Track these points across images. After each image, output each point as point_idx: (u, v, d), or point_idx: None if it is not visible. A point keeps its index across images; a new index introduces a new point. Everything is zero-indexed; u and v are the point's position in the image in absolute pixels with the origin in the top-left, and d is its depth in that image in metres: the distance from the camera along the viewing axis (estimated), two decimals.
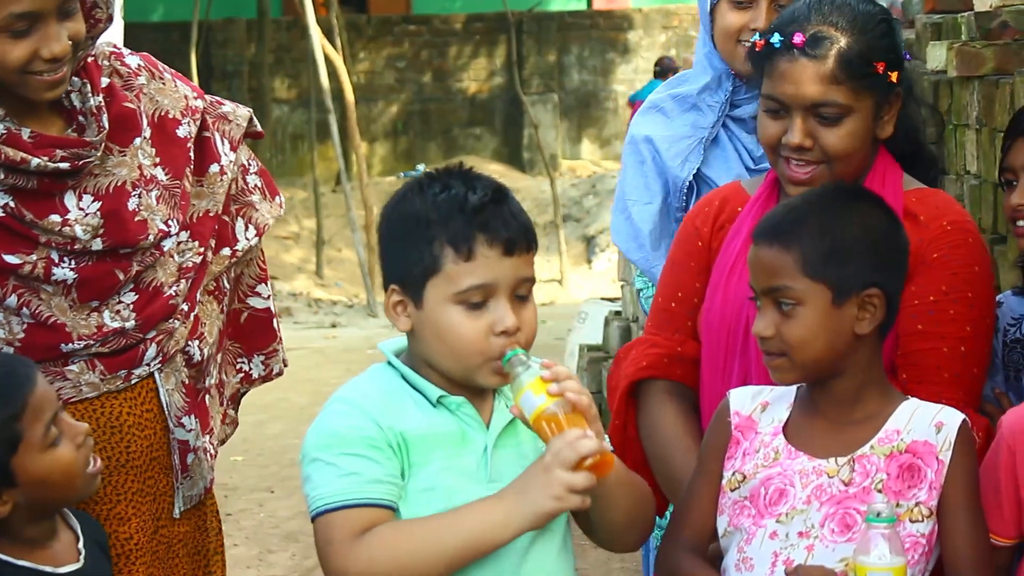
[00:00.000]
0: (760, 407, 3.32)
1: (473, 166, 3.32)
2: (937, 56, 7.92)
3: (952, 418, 3.21)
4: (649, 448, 3.70)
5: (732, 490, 3.28)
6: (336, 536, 3.06)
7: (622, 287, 10.52)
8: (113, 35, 9.03)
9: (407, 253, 3.22)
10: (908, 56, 3.68)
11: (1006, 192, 3.64)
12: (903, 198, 3.65)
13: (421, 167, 22.02)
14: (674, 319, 3.60)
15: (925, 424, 3.20)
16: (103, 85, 3.82)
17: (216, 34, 22.19)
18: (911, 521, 3.13)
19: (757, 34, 3.64)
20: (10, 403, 3.27)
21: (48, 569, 3.35)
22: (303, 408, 7.04)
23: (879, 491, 3.15)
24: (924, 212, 3.62)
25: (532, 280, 3.23)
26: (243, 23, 22.77)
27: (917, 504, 3.16)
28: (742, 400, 3.34)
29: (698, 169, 4.64)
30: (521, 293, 3.20)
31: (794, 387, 3.31)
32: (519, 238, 3.20)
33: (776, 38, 3.54)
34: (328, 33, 18.44)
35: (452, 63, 23.55)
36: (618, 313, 10.54)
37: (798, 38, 3.51)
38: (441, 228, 3.18)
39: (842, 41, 3.50)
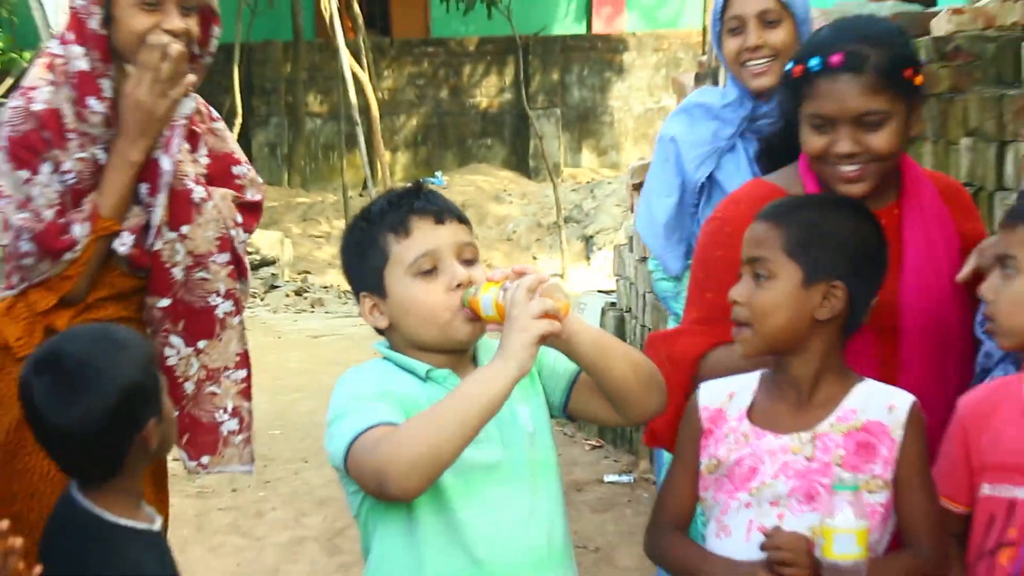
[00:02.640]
0: (728, 397, 3.31)
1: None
2: None
3: (903, 400, 3.21)
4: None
5: (710, 473, 3.28)
6: (370, 444, 3.00)
7: (617, 281, 10.51)
8: None
9: (363, 261, 3.28)
10: (924, 63, 3.67)
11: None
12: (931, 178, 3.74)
13: (439, 174, 22.02)
14: (728, 313, 3.54)
15: (879, 405, 3.20)
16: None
17: (256, 54, 22.16)
18: (868, 492, 3.12)
19: (792, 61, 3.62)
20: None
21: (144, 526, 3.23)
22: (331, 387, 7.16)
23: (839, 465, 3.15)
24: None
25: (473, 245, 3.27)
26: (280, 45, 22.73)
27: (874, 477, 3.15)
28: (711, 394, 3.33)
29: (711, 173, 4.68)
30: (467, 257, 3.23)
31: (757, 375, 3.30)
32: (445, 210, 3.26)
33: (815, 61, 3.51)
34: (356, 54, 18.42)
35: (466, 81, 23.51)
36: (613, 304, 10.53)
37: (836, 58, 3.49)
38: (380, 225, 3.25)
39: (874, 55, 3.48)
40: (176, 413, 3.73)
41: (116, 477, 3.17)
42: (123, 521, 3.18)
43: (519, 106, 22.97)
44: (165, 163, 3.94)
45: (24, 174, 3.86)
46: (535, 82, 23.37)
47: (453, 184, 21.26)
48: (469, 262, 3.24)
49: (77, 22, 3.88)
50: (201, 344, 4.06)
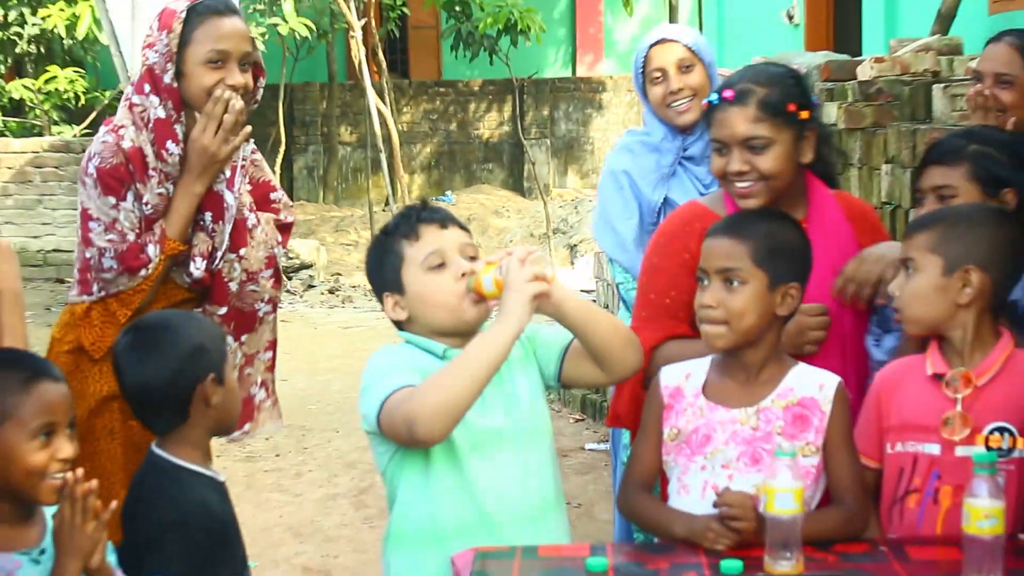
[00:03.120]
0: (685, 377, 3.31)
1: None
2: (830, 113, 7.92)
3: (831, 380, 3.23)
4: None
5: (671, 440, 3.28)
6: (399, 400, 3.05)
7: (596, 282, 10.51)
8: None
9: (383, 268, 3.33)
10: (817, 102, 3.68)
11: (916, 209, 3.63)
12: (836, 199, 3.73)
13: (449, 193, 21.99)
14: (669, 311, 3.55)
15: (811, 384, 3.22)
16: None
17: (297, 93, 22.12)
18: (803, 457, 3.14)
19: (708, 98, 3.66)
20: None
21: (210, 474, 3.34)
22: (359, 370, 7.04)
23: (779, 434, 3.18)
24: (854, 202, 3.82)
25: (473, 245, 3.33)
26: (317, 85, 22.69)
27: (807, 444, 3.17)
28: (671, 375, 3.33)
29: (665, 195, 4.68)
30: (469, 255, 3.29)
31: (709, 359, 3.31)
32: (447, 218, 3.34)
33: (715, 97, 3.58)
34: (380, 93, 18.40)
35: (471, 116, 23.47)
36: (593, 301, 10.54)
37: (728, 93, 3.54)
38: (395, 235, 3.33)
39: (760, 92, 3.52)
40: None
41: (183, 427, 3.28)
42: (192, 466, 3.28)
43: (515, 137, 22.94)
44: (229, 198, 3.95)
45: (111, 200, 3.86)
46: (529, 117, 23.33)
47: (460, 201, 21.22)
48: (471, 259, 3.28)
49: (152, 76, 3.88)
50: (243, 337, 4.11)
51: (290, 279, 15.82)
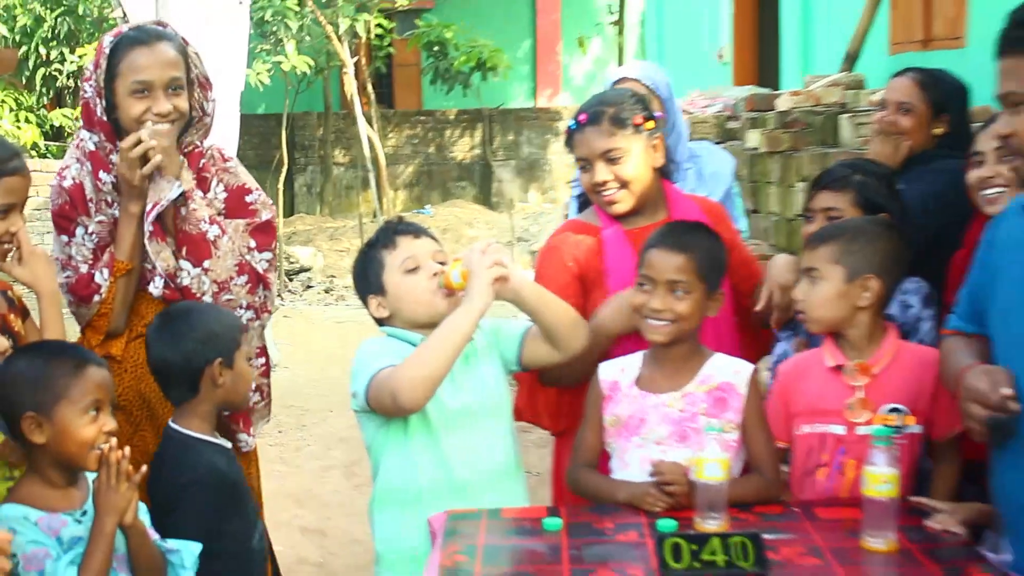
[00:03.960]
0: (620, 371, 3.31)
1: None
2: (753, 139, 7.97)
3: (745, 367, 3.24)
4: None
5: (612, 426, 3.29)
6: (384, 376, 3.11)
7: None
8: (230, 125, 8.85)
9: (367, 274, 3.39)
10: (657, 115, 3.68)
11: (806, 224, 3.65)
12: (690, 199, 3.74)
13: (428, 207, 21.97)
14: None
15: (728, 371, 3.23)
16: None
17: (298, 121, 22.05)
18: (725, 432, 3.15)
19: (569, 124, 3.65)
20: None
21: (219, 442, 3.43)
22: (351, 358, 7.10)
23: (703, 415, 3.19)
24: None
25: (442, 252, 3.36)
26: (315, 114, 22.62)
27: (728, 421, 3.18)
28: (609, 370, 3.33)
29: None
30: (439, 259, 3.33)
31: (641, 353, 3.31)
32: (422, 230, 3.41)
33: (573, 123, 3.58)
34: (369, 121, 18.39)
35: (447, 140, 23.44)
36: None
37: (583, 117, 3.55)
38: (376, 246, 3.38)
39: (609, 111, 3.52)
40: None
41: (194, 401, 3.37)
42: (202, 435, 3.37)
43: (485, 158, 22.97)
44: (146, 228, 3.67)
45: (64, 239, 3.70)
46: (496, 141, 23.33)
47: (438, 214, 21.17)
48: (441, 263, 3.33)
49: (87, 110, 3.68)
50: None
51: (291, 280, 15.77)
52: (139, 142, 3.56)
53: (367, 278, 3.38)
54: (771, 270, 3.59)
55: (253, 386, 3.82)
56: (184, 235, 3.72)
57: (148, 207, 3.66)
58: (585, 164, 3.56)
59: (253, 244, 3.84)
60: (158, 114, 3.61)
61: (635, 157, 3.52)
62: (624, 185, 3.53)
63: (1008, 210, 2.87)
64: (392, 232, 3.38)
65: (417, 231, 3.39)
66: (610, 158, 3.51)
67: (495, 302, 3.18)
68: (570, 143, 3.61)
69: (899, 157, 4.06)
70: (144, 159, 3.57)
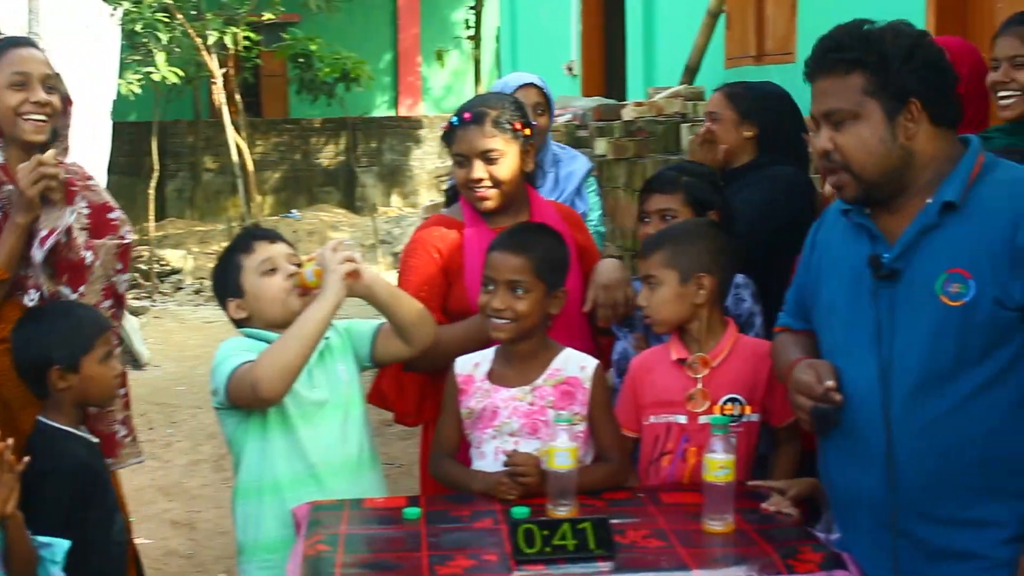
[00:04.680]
0: (474, 366, 3.30)
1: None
2: (601, 146, 8.02)
3: (591, 362, 3.25)
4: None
5: (467, 418, 3.27)
6: (243, 371, 3.09)
7: None
8: (103, 133, 8.63)
9: (226, 277, 3.35)
10: (534, 123, 3.70)
11: (642, 226, 3.67)
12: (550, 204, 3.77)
13: (295, 211, 21.72)
14: (425, 303, 3.48)
15: (575, 366, 3.24)
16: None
17: (168, 129, 21.61)
18: (574, 424, 3.14)
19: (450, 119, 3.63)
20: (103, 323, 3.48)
21: (80, 433, 3.40)
22: None
23: (551, 408, 3.19)
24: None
25: (296, 255, 3.34)
26: (185, 122, 22.23)
27: (576, 413, 3.19)
28: (463, 365, 3.32)
29: None
30: (294, 262, 3.31)
31: (494, 348, 3.30)
32: (277, 235, 3.40)
33: (456, 119, 3.57)
34: (237, 129, 18.13)
35: (313, 148, 23.17)
36: None
37: (467, 115, 3.54)
38: (234, 251, 3.35)
39: (492, 113, 3.52)
40: (95, 410, 3.60)
41: (51, 398, 3.36)
42: (65, 427, 3.35)
43: (349, 164, 22.79)
44: (37, 256, 3.55)
45: None
46: (360, 148, 23.14)
47: (305, 218, 20.95)
48: (296, 265, 3.31)
49: None
50: None
51: (162, 282, 15.50)
52: (40, 164, 3.48)
53: (225, 282, 3.35)
54: (595, 273, 3.61)
55: (120, 418, 3.77)
56: (65, 262, 3.63)
57: (44, 233, 3.56)
58: (462, 160, 3.55)
59: (120, 267, 3.77)
60: (35, 103, 3.54)
61: (510, 160, 3.53)
62: (497, 185, 3.53)
63: (828, 213, 2.92)
64: (249, 237, 3.36)
65: (273, 237, 3.38)
66: (488, 158, 3.51)
67: (353, 307, 3.16)
68: (449, 138, 3.59)
69: (716, 159, 4.13)
70: (40, 179, 3.48)
